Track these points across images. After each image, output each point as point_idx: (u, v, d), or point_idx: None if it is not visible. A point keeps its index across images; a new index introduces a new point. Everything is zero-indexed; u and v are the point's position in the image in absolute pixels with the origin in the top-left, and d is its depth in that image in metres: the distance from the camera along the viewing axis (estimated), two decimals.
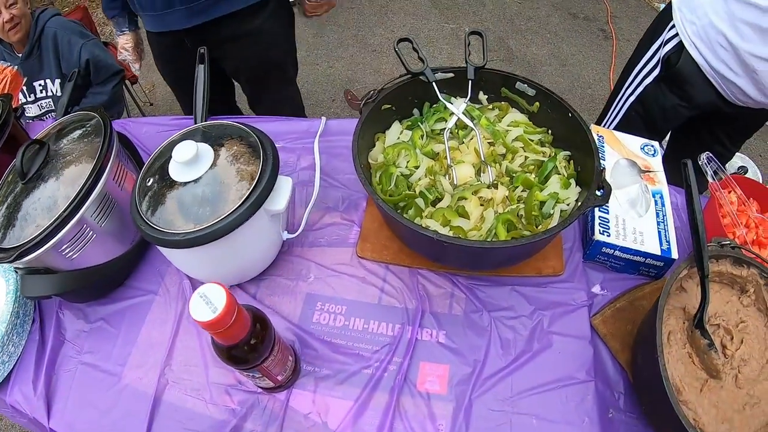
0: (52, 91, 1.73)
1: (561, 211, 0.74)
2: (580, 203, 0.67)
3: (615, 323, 0.79)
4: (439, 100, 0.85)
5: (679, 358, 0.67)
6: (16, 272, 0.82)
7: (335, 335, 0.81)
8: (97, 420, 0.76)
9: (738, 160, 2.13)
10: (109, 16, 1.37)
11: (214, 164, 0.74)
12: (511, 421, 0.71)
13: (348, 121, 1.09)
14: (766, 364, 0.67)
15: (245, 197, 0.71)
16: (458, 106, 0.85)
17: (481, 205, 0.76)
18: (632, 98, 1.27)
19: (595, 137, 0.95)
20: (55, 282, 0.77)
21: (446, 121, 0.86)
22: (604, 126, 1.38)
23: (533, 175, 0.80)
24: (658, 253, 0.79)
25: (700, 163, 0.86)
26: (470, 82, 0.87)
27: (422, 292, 0.82)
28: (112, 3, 1.34)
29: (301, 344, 0.81)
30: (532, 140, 0.86)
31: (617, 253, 0.81)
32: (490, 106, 0.92)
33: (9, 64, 1.52)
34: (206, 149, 0.75)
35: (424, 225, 0.73)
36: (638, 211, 0.85)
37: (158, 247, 0.75)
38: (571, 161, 0.83)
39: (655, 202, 0.86)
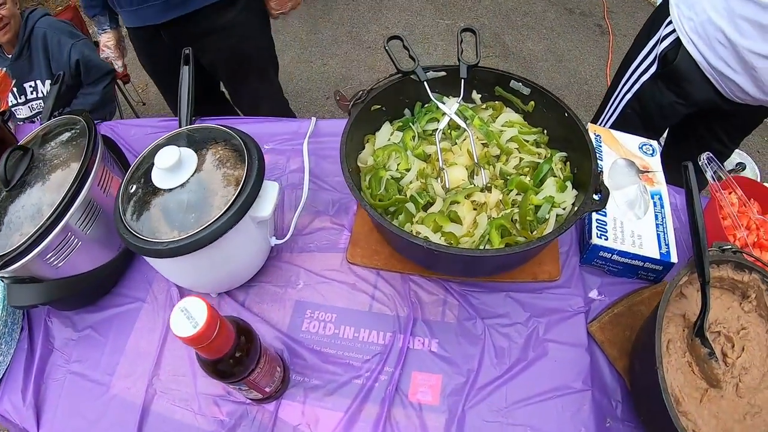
0: (42, 92, 1.71)
1: (557, 215, 0.72)
2: (576, 208, 0.64)
3: (613, 330, 0.77)
4: (431, 100, 0.83)
5: (679, 368, 0.65)
6: (2, 281, 0.80)
7: (325, 344, 0.79)
8: (86, 430, 0.75)
9: (736, 156, 2.11)
10: (90, 15, 1.37)
11: (199, 169, 0.72)
12: None
13: (339, 121, 1.06)
14: None
15: (229, 204, 0.68)
16: (451, 106, 0.83)
17: (474, 209, 0.74)
18: (629, 96, 1.25)
19: (592, 137, 0.92)
20: (41, 291, 0.75)
21: (438, 122, 0.83)
22: (600, 124, 1.36)
23: (528, 178, 0.77)
24: (657, 257, 0.77)
25: (700, 163, 0.84)
26: (463, 81, 0.84)
27: (414, 299, 0.80)
28: (92, 2, 1.33)
29: (290, 353, 0.79)
30: (527, 141, 0.83)
31: (615, 257, 0.79)
32: (484, 106, 0.89)
33: None
34: (189, 154, 0.72)
35: (414, 231, 0.71)
36: (637, 213, 0.83)
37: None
38: (568, 163, 0.81)
39: (654, 203, 0.84)
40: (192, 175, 0.71)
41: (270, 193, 0.73)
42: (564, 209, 0.73)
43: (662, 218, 0.82)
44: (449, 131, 0.85)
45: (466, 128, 0.80)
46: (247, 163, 0.71)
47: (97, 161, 0.78)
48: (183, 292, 0.85)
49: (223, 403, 0.75)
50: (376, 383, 0.74)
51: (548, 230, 0.69)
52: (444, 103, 0.84)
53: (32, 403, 0.77)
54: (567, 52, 2.69)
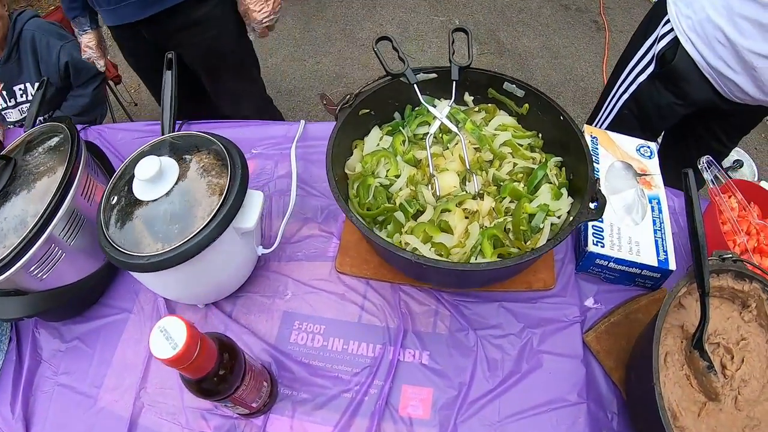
0: (32, 95, 1.68)
1: (552, 224, 0.69)
2: (572, 217, 0.62)
3: (609, 339, 0.75)
4: (422, 103, 0.80)
5: (676, 381, 0.63)
6: None
7: (313, 356, 0.77)
8: None
9: (733, 153, 2.09)
10: (71, 16, 1.36)
11: (183, 177, 0.70)
12: None
13: (329, 124, 1.02)
14: (767, 383, 0.64)
15: (212, 216, 0.66)
16: (442, 109, 0.80)
17: (466, 217, 0.71)
18: (625, 96, 1.22)
19: (589, 139, 0.90)
20: (26, 304, 0.74)
21: (430, 125, 0.81)
22: (596, 125, 1.33)
23: (522, 185, 0.75)
24: (655, 264, 0.75)
25: (699, 166, 0.82)
26: (454, 83, 0.81)
27: (405, 310, 0.78)
28: (72, 3, 1.32)
29: (278, 366, 0.77)
30: (521, 145, 0.81)
31: (612, 264, 0.77)
32: (477, 108, 0.86)
33: None
34: (170, 164, 0.70)
35: (403, 242, 0.68)
36: (634, 218, 0.81)
37: None
38: (563, 168, 0.78)
39: (652, 208, 0.82)
40: (174, 185, 0.69)
41: (254, 203, 0.70)
42: (559, 218, 0.71)
43: (660, 223, 0.80)
44: (440, 135, 0.82)
45: (458, 132, 0.78)
46: (229, 172, 0.69)
47: (80, 170, 0.77)
48: (170, 303, 0.83)
49: (211, 417, 0.74)
50: (365, 397, 0.72)
51: (542, 240, 0.67)
52: (435, 106, 0.82)
53: (21, 416, 0.75)
54: (563, 48, 2.66)
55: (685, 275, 0.64)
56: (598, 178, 0.65)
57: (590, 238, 0.77)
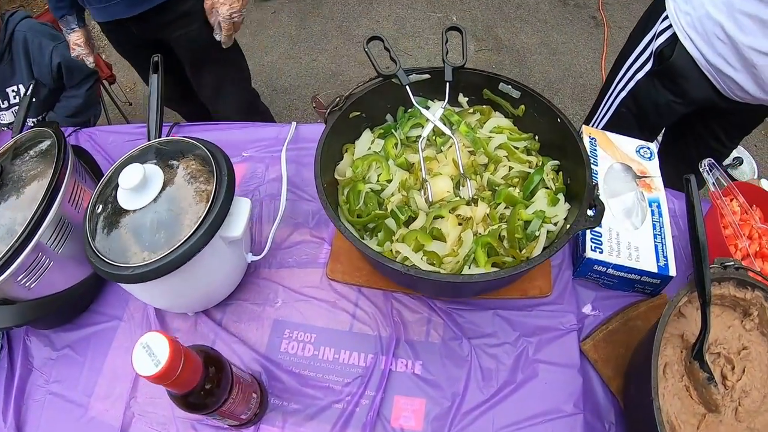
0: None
1: (548, 231, 0.67)
2: (569, 225, 0.60)
3: (607, 347, 0.73)
4: (414, 105, 0.78)
5: (676, 393, 0.61)
6: None
7: (304, 366, 0.75)
8: None
9: (733, 151, 2.06)
10: (58, 16, 1.36)
11: (171, 184, 0.69)
12: None
13: (322, 125, 1.01)
14: None
15: (197, 225, 0.64)
16: (435, 111, 0.78)
17: (459, 224, 0.69)
18: (623, 94, 1.20)
19: (587, 140, 0.88)
20: (15, 313, 0.73)
21: (423, 128, 0.78)
22: (594, 124, 1.31)
23: (517, 190, 0.72)
24: (655, 270, 0.73)
25: (700, 169, 0.80)
26: (448, 83, 0.79)
27: (397, 318, 0.76)
28: (59, 3, 1.32)
29: (268, 376, 0.75)
30: (517, 148, 0.78)
31: (610, 270, 0.75)
32: (471, 110, 0.84)
33: None
34: (155, 171, 0.68)
35: (394, 250, 0.66)
36: (634, 222, 0.79)
37: None
38: (560, 172, 0.76)
39: (652, 212, 0.80)
40: (162, 192, 0.67)
41: (241, 210, 0.68)
42: (555, 224, 0.69)
43: (660, 228, 0.78)
44: (434, 138, 0.80)
45: (451, 135, 0.76)
46: (216, 178, 0.67)
47: (66, 177, 0.75)
48: (159, 311, 0.82)
49: (201, 427, 0.72)
50: (357, 408, 0.71)
51: (538, 249, 0.65)
52: (428, 108, 0.80)
53: (13, 425, 0.75)
54: (561, 44, 2.63)
55: (686, 284, 0.62)
56: (597, 184, 0.63)
57: (588, 243, 0.75)
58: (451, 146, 0.78)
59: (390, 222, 0.69)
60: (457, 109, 0.84)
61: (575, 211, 0.66)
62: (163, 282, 0.65)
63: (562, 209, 0.70)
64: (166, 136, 1.03)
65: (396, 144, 0.79)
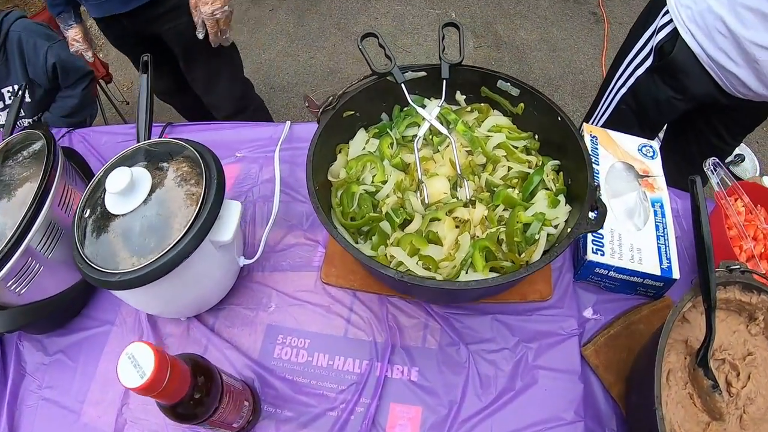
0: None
1: (548, 235, 0.65)
2: (570, 228, 0.58)
3: (608, 352, 0.71)
4: (410, 103, 0.75)
5: (679, 401, 0.59)
6: None
7: (297, 372, 0.73)
8: None
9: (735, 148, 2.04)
10: (55, 13, 1.37)
11: (161, 186, 0.67)
12: None
13: (317, 125, 0.99)
14: None
15: (186, 230, 0.62)
16: (432, 110, 0.76)
17: (456, 227, 0.67)
18: (623, 90, 1.18)
19: (588, 138, 0.86)
20: (5, 319, 0.72)
21: (419, 127, 0.76)
22: (593, 121, 1.29)
23: (516, 191, 0.70)
24: (658, 273, 0.71)
25: (705, 168, 0.78)
26: (445, 81, 0.77)
27: (393, 323, 0.74)
28: (56, 0, 1.34)
29: (261, 383, 0.73)
30: (516, 147, 0.76)
31: (612, 273, 0.73)
32: (469, 108, 0.82)
33: None
34: (142, 174, 0.66)
35: (389, 255, 0.64)
36: (636, 223, 0.77)
37: None
38: (561, 172, 0.74)
39: (655, 212, 0.78)
40: (152, 195, 0.66)
41: (232, 214, 0.66)
42: (556, 227, 0.67)
43: (663, 229, 0.76)
44: (430, 137, 0.78)
45: (448, 135, 0.73)
46: (204, 182, 0.65)
47: (56, 180, 0.73)
48: (151, 316, 0.80)
49: None
50: (351, 416, 0.69)
51: (538, 253, 0.62)
52: (425, 107, 0.78)
53: (7, 430, 0.74)
54: (561, 41, 2.60)
55: (690, 289, 0.60)
56: (599, 185, 0.60)
57: (589, 245, 0.73)
58: (448, 146, 0.76)
59: (385, 225, 0.67)
60: (454, 108, 0.82)
61: (576, 214, 0.64)
62: (152, 288, 0.64)
63: (562, 211, 0.67)
64: (159, 137, 1.02)
65: (391, 144, 0.77)
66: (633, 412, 0.65)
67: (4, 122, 1.67)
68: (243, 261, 0.76)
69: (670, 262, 0.72)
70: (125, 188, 0.63)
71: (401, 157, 0.75)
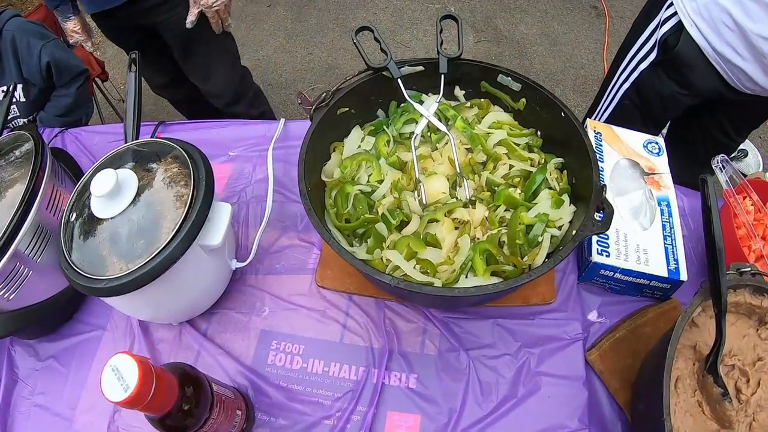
0: (15, 97, 1.63)
1: (552, 236, 0.62)
2: (575, 230, 0.55)
3: (613, 357, 0.69)
4: (407, 99, 0.73)
5: (687, 410, 0.57)
6: None
7: (292, 380, 0.71)
8: None
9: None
10: (52, 6, 1.38)
11: (149, 188, 0.65)
12: None
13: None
14: None
15: (173, 233, 0.60)
16: (429, 106, 0.73)
17: (456, 228, 0.64)
18: (626, 85, 1.15)
19: (592, 135, 0.83)
20: None
21: (417, 124, 0.73)
22: (596, 117, 1.26)
23: (518, 190, 0.67)
24: (665, 275, 0.68)
25: (713, 166, 0.75)
26: (443, 76, 0.74)
27: (390, 328, 0.72)
28: None
29: (255, 390, 0.71)
30: (518, 144, 0.74)
31: (618, 275, 0.70)
32: (468, 104, 0.79)
33: None
34: (128, 176, 0.63)
35: (385, 258, 0.62)
36: (642, 222, 0.74)
37: None
38: (564, 171, 0.71)
39: (661, 211, 0.75)
40: (137, 198, 0.63)
41: (221, 217, 0.64)
42: (560, 228, 0.64)
43: (670, 228, 0.73)
44: (429, 133, 0.75)
45: (447, 132, 0.71)
46: (192, 183, 0.63)
47: (44, 183, 0.71)
48: (143, 321, 0.78)
49: None
50: (347, 424, 0.67)
51: (541, 256, 0.60)
52: (422, 102, 0.75)
53: None
54: (562, 35, 2.57)
55: (699, 292, 0.58)
56: (605, 185, 0.58)
57: (594, 246, 0.70)
58: (446, 143, 0.73)
59: (381, 227, 0.64)
60: (453, 104, 0.79)
61: (581, 214, 0.61)
62: (140, 294, 0.61)
63: (566, 212, 0.65)
64: (151, 136, 0.99)
65: (388, 141, 0.74)
66: (639, 420, 0.62)
67: None
68: (235, 264, 0.74)
69: (677, 263, 0.69)
70: (110, 191, 0.61)
71: (398, 156, 0.73)
